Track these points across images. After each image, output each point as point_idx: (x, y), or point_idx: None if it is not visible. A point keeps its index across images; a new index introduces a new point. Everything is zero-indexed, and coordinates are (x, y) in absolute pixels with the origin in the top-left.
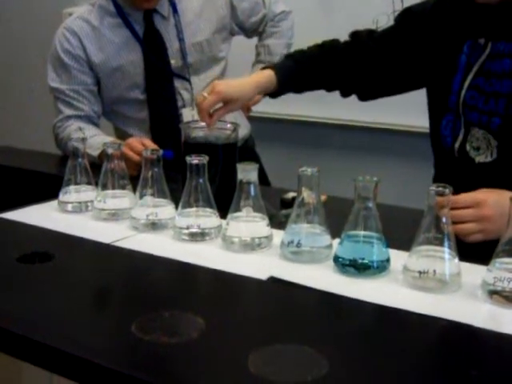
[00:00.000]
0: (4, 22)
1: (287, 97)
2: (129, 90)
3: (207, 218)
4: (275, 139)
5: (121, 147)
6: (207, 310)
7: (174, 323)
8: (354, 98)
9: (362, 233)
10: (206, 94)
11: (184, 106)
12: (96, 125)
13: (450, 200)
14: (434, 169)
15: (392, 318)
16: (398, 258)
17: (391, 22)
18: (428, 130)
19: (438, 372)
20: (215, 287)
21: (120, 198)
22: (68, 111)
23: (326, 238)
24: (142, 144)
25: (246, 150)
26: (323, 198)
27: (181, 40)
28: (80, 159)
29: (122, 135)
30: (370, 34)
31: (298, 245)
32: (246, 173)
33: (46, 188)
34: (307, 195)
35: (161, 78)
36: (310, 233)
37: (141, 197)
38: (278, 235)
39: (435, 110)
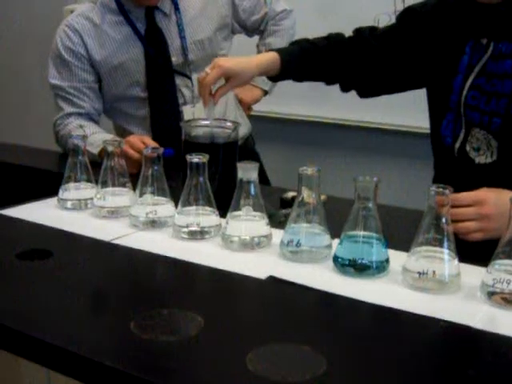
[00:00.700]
0: (5, 19)
1: (287, 96)
2: (130, 87)
3: (207, 217)
4: (275, 138)
5: (121, 145)
6: (206, 308)
7: (173, 321)
8: (354, 97)
9: (362, 233)
10: (208, 70)
11: (185, 104)
12: (96, 122)
13: (451, 198)
14: (434, 169)
15: (391, 318)
16: (397, 258)
17: (392, 22)
18: (428, 131)
19: (436, 373)
20: (214, 286)
21: (120, 196)
22: (68, 108)
23: (326, 238)
24: (142, 142)
25: (246, 149)
26: (323, 197)
27: (182, 38)
28: (80, 156)
29: (122, 133)
30: (372, 30)
31: (298, 244)
32: (246, 172)
33: (46, 185)
34: (307, 195)
35: (162, 75)
36: (310, 232)
37: (141, 195)
38: (278, 234)
39: (436, 110)
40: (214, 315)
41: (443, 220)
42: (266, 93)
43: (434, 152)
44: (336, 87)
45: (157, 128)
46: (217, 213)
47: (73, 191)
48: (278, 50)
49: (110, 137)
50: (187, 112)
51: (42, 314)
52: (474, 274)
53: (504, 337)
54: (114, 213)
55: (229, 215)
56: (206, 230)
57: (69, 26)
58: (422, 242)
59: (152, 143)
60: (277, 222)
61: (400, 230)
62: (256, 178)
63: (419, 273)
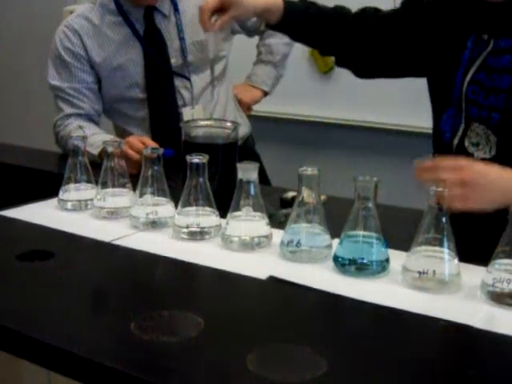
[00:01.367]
0: (5, 20)
1: (288, 96)
2: (129, 88)
3: (207, 217)
4: (275, 138)
5: (121, 145)
6: (206, 309)
7: (173, 322)
8: (354, 97)
9: (362, 233)
10: None
11: (184, 105)
12: (96, 123)
13: (431, 164)
14: None
15: (391, 318)
16: (397, 258)
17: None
18: (428, 130)
19: (436, 372)
20: (214, 286)
21: (120, 197)
22: (68, 109)
23: (326, 238)
24: (142, 142)
25: (246, 149)
26: (323, 197)
27: (181, 39)
28: (80, 157)
29: (122, 133)
30: (376, 11)
31: (298, 244)
32: (246, 172)
33: (46, 186)
34: (307, 195)
35: (161, 76)
36: (310, 232)
37: (141, 195)
38: (278, 235)
39: (437, 105)
40: (214, 316)
41: (443, 219)
42: (265, 93)
43: (434, 147)
44: (336, 86)
45: (156, 129)
46: (217, 213)
47: (73, 192)
48: (284, 1)
49: (109, 138)
50: (187, 113)
51: (43, 315)
52: (474, 274)
53: (504, 336)
54: (114, 213)
55: (229, 215)
56: (206, 230)
57: (68, 27)
58: (422, 242)
59: (152, 144)
60: (277, 222)
61: (400, 230)
62: (256, 178)
63: (419, 272)
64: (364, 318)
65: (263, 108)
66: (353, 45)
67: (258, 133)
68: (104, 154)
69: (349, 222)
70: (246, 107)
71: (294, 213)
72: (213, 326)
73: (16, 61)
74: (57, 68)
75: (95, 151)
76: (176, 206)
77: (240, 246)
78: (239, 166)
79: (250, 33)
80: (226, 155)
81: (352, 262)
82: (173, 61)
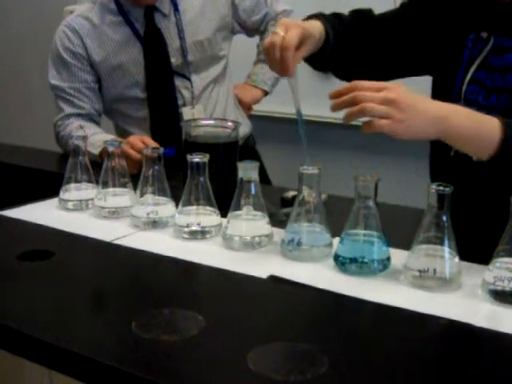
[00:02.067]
0: (5, 20)
1: (288, 96)
2: (129, 88)
3: (208, 217)
4: (276, 138)
5: (121, 145)
6: (207, 308)
7: (175, 321)
8: None
9: (363, 231)
10: (280, 31)
11: (184, 105)
12: (97, 123)
13: (352, 85)
14: (430, 166)
15: (392, 316)
16: (398, 256)
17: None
18: None
19: (437, 371)
20: (215, 285)
21: (121, 196)
22: (69, 109)
23: (327, 237)
24: (142, 142)
25: (246, 149)
26: (323, 196)
27: (181, 38)
28: (81, 157)
29: (122, 133)
30: (370, 16)
31: (299, 243)
32: (247, 171)
33: (47, 186)
34: (308, 194)
35: (161, 76)
36: (311, 231)
37: (141, 195)
38: (279, 234)
39: None
40: (215, 315)
41: (444, 218)
42: (266, 93)
43: (431, 148)
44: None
45: (156, 129)
46: (217, 212)
47: (74, 192)
48: (326, 28)
49: (110, 137)
50: (187, 113)
51: (44, 315)
52: (474, 272)
53: (505, 334)
54: (114, 213)
55: (229, 215)
56: (206, 229)
57: (68, 27)
58: (423, 240)
59: (152, 143)
60: (277, 221)
61: (401, 228)
62: (256, 177)
63: (420, 271)
64: (365, 316)
65: (264, 107)
66: (356, 54)
67: (259, 132)
68: (105, 153)
69: (349, 221)
70: (246, 107)
71: (294, 212)
72: (214, 325)
73: (16, 61)
74: (57, 68)
75: (96, 151)
76: (177, 205)
77: (241, 245)
78: (240, 165)
79: (250, 32)
80: (227, 155)
81: (353, 260)
82: (173, 60)
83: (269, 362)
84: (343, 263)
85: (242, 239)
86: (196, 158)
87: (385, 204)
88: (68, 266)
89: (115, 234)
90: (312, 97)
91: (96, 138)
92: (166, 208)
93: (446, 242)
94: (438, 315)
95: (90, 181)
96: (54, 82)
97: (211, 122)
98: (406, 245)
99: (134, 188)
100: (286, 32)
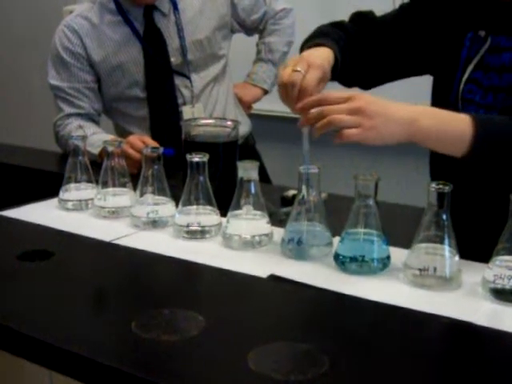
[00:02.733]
0: (4, 20)
1: None
2: (129, 87)
3: (207, 216)
4: (276, 137)
5: (121, 145)
6: (207, 307)
7: (175, 321)
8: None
9: (363, 230)
10: (300, 69)
11: (184, 104)
12: (96, 122)
13: (319, 97)
14: (430, 165)
15: (392, 315)
16: (398, 255)
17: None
18: None
19: (438, 369)
20: (215, 285)
21: (120, 196)
22: (68, 109)
23: (327, 236)
24: (142, 142)
25: (246, 148)
26: (323, 195)
27: (181, 37)
28: (80, 157)
29: (122, 133)
30: (370, 18)
31: (299, 242)
32: (247, 171)
33: (47, 186)
34: (307, 193)
35: (161, 75)
36: (311, 230)
37: (141, 195)
38: (279, 233)
39: (436, 105)
40: (215, 314)
41: (444, 216)
42: (265, 92)
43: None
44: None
45: (156, 128)
46: (217, 212)
47: (73, 192)
48: (336, 55)
49: (109, 137)
50: (187, 112)
51: (44, 315)
52: (474, 271)
53: (506, 333)
54: (114, 213)
55: (229, 214)
56: (206, 229)
57: (67, 27)
58: (423, 239)
59: (152, 143)
60: (277, 220)
61: (401, 227)
62: (256, 176)
63: (420, 269)
64: (365, 315)
65: (263, 106)
66: (360, 59)
67: (259, 131)
68: (104, 153)
69: (349, 220)
70: (246, 106)
71: (294, 211)
72: (214, 325)
73: (16, 61)
74: (56, 68)
75: (95, 151)
76: (176, 205)
77: (241, 244)
78: (240, 164)
79: (249, 31)
80: (227, 154)
81: (353, 259)
82: (173, 59)
83: (269, 362)
84: (343, 262)
85: (241, 239)
86: (196, 158)
87: (385, 203)
88: (68, 265)
89: (115, 233)
90: None
91: (95, 137)
92: (165, 208)
93: (446, 241)
94: (438, 314)
95: (89, 181)
96: (53, 82)
97: (211, 121)
98: (406, 243)
99: (134, 188)
100: (306, 71)
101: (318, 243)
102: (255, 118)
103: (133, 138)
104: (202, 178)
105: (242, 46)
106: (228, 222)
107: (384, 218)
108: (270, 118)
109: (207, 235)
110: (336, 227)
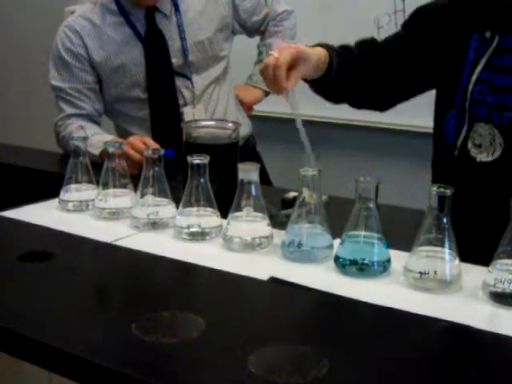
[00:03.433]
0: (6, 20)
1: None
2: (130, 88)
3: (208, 218)
4: (276, 138)
5: (122, 146)
6: (207, 310)
7: (175, 323)
8: None
9: (363, 233)
10: (274, 53)
11: (185, 105)
12: (97, 123)
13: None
14: (432, 167)
15: (392, 318)
16: (398, 258)
17: (392, 22)
18: (429, 130)
19: (437, 373)
20: (216, 287)
21: (121, 197)
22: (69, 110)
23: (327, 239)
24: (143, 143)
25: (247, 150)
26: (324, 198)
27: (182, 39)
28: (81, 158)
29: (123, 134)
30: (374, 44)
31: (299, 245)
32: (247, 172)
33: (47, 186)
34: (308, 195)
35: (162, 76)
36: (311, 233)
37: (142, 196)
38: (279, 235)
39: (440, 106)
40: (215, 317)
41: (444, 220)
42: (266, 93)
43: (434, 149)
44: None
45: (157, 129)
46: (218, 214)
47: (74, 192)
48: (331, 54)
49: (110, 138)
50: (188, 113)
51: (44, 317)
52: (475, 274)
53: (506, 337)
54: (115, 214)
55: (230, 216)
56: (207, 231)
57: (69, 27)
58: (424, 242)
59: (153, 144)
60: (278, 222)
61: (401, 230)
62: (257, 178)
63: (420, 273)
64: (365, 318)
65: (264, 108)
66: (369, 81)
67: (259, 133)
68: (105, 154)
69: (350, 223)
70: (247, 107)
71: (295, 213)
72: (214, 327)
73: (17, 61)
74: (58, 68)
75: (96, 151)
76: (177, 206)
77: (241, 246)
78: (240, 166)
79: (250, 33)
80: (227, 155)
81: (353, 262)
82: (174, 61)
83: (269, 365)
84: (344, 265)
85: (242, 240)
86: (196, 160)
87: (385, 205)
88: (68, 267)
89: (115, 234)
90: (313, 97)
91: (96, 138)
92: (166, 209)
93: (447, 244)
94: (439, 317)
95: (90, 181)
96: (54, 82)
97: (212, 122)
98: (406, 246)
99: (135, 189)
100: (280, 54)
101: (318, 246)
102: (256, 119)
103: (134, 139)
104: (202, 180)
105: (243, 47)
106: (228, 223)
107: (384, 221)
108: (271, 120)
109: (207, 237)
110: (336, 230)
